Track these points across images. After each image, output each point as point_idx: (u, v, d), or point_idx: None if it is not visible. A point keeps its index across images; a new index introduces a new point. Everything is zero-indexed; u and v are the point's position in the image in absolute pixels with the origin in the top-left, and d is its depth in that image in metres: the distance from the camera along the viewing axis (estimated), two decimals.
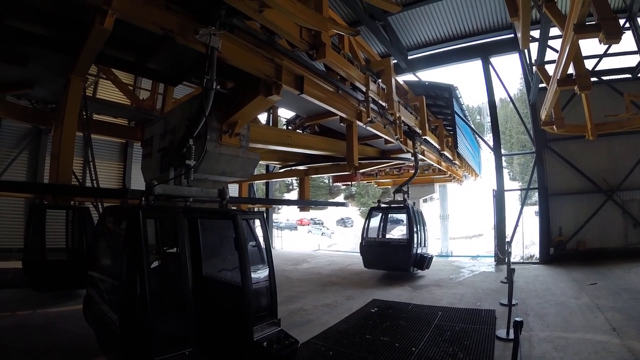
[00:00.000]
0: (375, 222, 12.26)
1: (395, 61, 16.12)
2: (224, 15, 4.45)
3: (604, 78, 13.82)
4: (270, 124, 12.02)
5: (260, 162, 7.78)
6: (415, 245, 10.70)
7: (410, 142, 11.62)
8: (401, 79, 14.55)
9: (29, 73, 6.16)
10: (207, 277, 4.78)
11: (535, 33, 9.59)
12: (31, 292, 8.16)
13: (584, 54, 7.26)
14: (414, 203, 11.92)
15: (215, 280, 4.83)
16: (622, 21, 13.24)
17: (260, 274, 4.49)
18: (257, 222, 4.75)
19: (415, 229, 10.82)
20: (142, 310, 3.28)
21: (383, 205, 12.04)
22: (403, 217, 11.85)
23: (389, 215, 12.83)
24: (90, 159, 9.10)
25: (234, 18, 4.70)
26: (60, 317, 6.99)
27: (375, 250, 11.38)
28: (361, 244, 11.65)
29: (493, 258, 14.85)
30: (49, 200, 8.41)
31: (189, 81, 6.85)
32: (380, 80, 9.09)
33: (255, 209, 21.94)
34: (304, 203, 13.06)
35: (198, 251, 4.69)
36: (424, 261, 11.05)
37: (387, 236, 12.73)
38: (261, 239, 4.65)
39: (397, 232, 17.29)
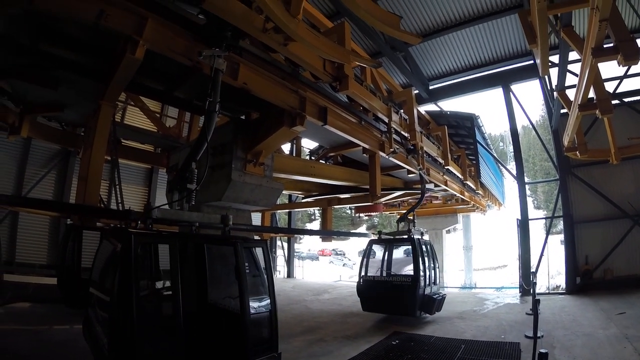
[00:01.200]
0: (377, 256, 10.56)
1: (417, 91, 16.21)
2: (229, 37, 4.47)
3: (626, 100, 13.48)
4: (294, 154, 12.12)
5: (283, 192, 7.84)
6: (422, 285, 9.09)
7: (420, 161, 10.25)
8: (423, 109, 14.61)
9: (60, 96, 6.38)
10: (212, 304, 4.62)
11: (555, 58, 9.55)
12: (51, 307, 8.39)
13: (604, 77, 7.19)
14: (422, 233, 10.31)
15: (217, 308, 4.66)
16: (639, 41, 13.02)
17: (261, 304, 4.35)
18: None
19: (422, 266, 9.17)
20: (130, 335, 3.19)
21: (384, 237, 10.38)
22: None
23: (405, 249, 11.40)
24: (117, 182, 9.31)
25: (241, 40, 4.74)
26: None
27: (375, 291, 9.75)
28: (359, 282, 10.07)
29: (518, 289, 14.40)
30: (75, 221, 8.61)
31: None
32: (402, 110, 9.17)
33: (278, 239, 21.93)
34: (326, 233, 12.98)
35: (204, 277, 4.48)
36: (433, 303, 9.34)
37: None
38: (264, 268, 4.51)
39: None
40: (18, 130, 6.92)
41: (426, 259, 9.53)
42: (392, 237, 10.35)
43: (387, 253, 10.30)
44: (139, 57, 4.17)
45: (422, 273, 9.15)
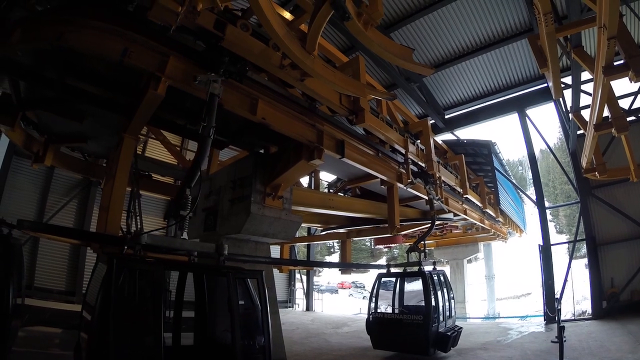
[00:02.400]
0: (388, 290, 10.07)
1: (433, 121, 16.20)
2: (227, 62, 4.50)
3: None
4: (312, 187, 12.15)
5: (302, 225, 7.83)
6: (435, 321, 8.45)
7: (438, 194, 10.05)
8: (439, 138, 14.60)
9: (85, 128, 6.49)
10: (210, 337, 4.29)
11: (568, 80, 9.49)
12: (67, 332, 8.50)
13: (618, 93, 7.10)
14: (434, 264, 9.81)
15: (214, 342, 4.28)
16: None
17: (255, 338, 4.11)
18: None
19: (434, 301, 8.50)
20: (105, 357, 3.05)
21: (394, 271, 9.76)
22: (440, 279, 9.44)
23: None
24: (138, 213, 9.39)
25: (239, 66, 4.75)
26: None
27: (385, 328, 9.10)
28: (368, 319, 9.41)
29: (542, 317, 13.93)
30: (95, 250, 8.69)
31: (234, 145, 7.10)
32: (418, 141, 9.17)
33: (297, 271, 21.72)
34: (345, 266, 12.85)
35: (204, 308, 4.17)
36: (447, 340, 8.66)
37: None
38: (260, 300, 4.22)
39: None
40: (42, 159, 6.98)
41: (439, 292, 8.98)
42: (404, 271, 9.80)
43: (397, 287, 9.79)
44: (161, 93, 4.27)
45: (434, 307, 8.59)
